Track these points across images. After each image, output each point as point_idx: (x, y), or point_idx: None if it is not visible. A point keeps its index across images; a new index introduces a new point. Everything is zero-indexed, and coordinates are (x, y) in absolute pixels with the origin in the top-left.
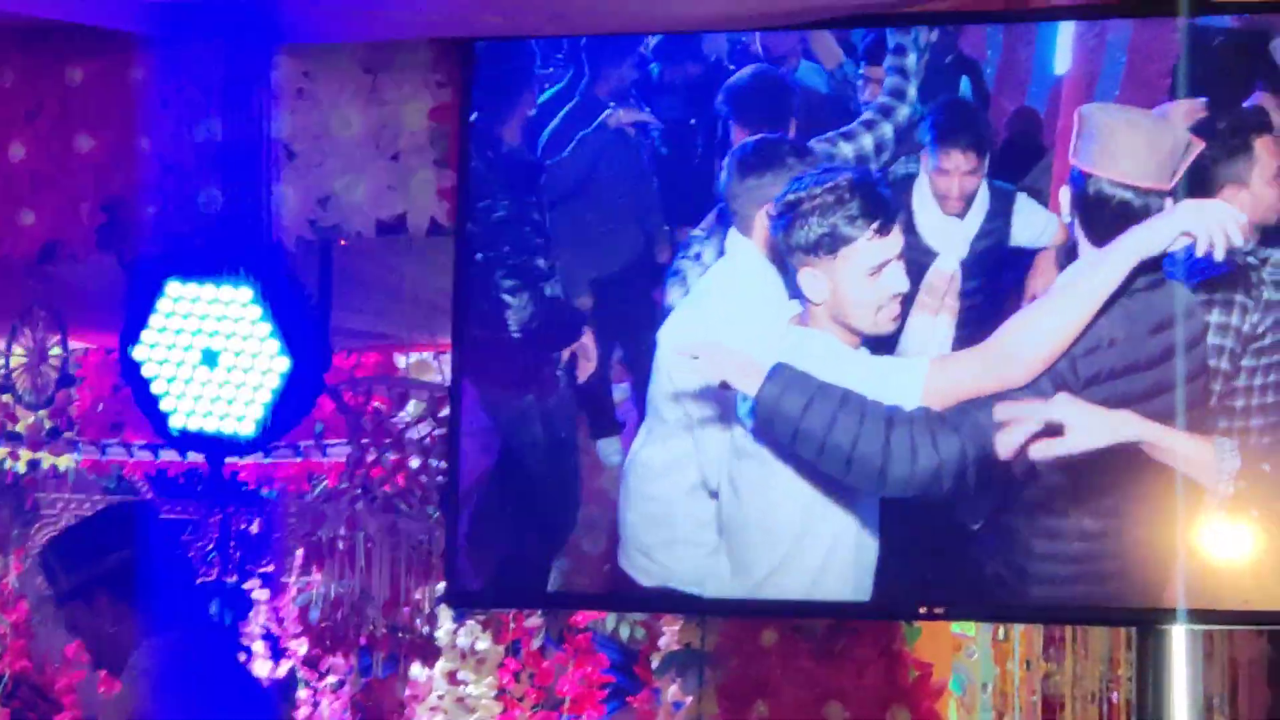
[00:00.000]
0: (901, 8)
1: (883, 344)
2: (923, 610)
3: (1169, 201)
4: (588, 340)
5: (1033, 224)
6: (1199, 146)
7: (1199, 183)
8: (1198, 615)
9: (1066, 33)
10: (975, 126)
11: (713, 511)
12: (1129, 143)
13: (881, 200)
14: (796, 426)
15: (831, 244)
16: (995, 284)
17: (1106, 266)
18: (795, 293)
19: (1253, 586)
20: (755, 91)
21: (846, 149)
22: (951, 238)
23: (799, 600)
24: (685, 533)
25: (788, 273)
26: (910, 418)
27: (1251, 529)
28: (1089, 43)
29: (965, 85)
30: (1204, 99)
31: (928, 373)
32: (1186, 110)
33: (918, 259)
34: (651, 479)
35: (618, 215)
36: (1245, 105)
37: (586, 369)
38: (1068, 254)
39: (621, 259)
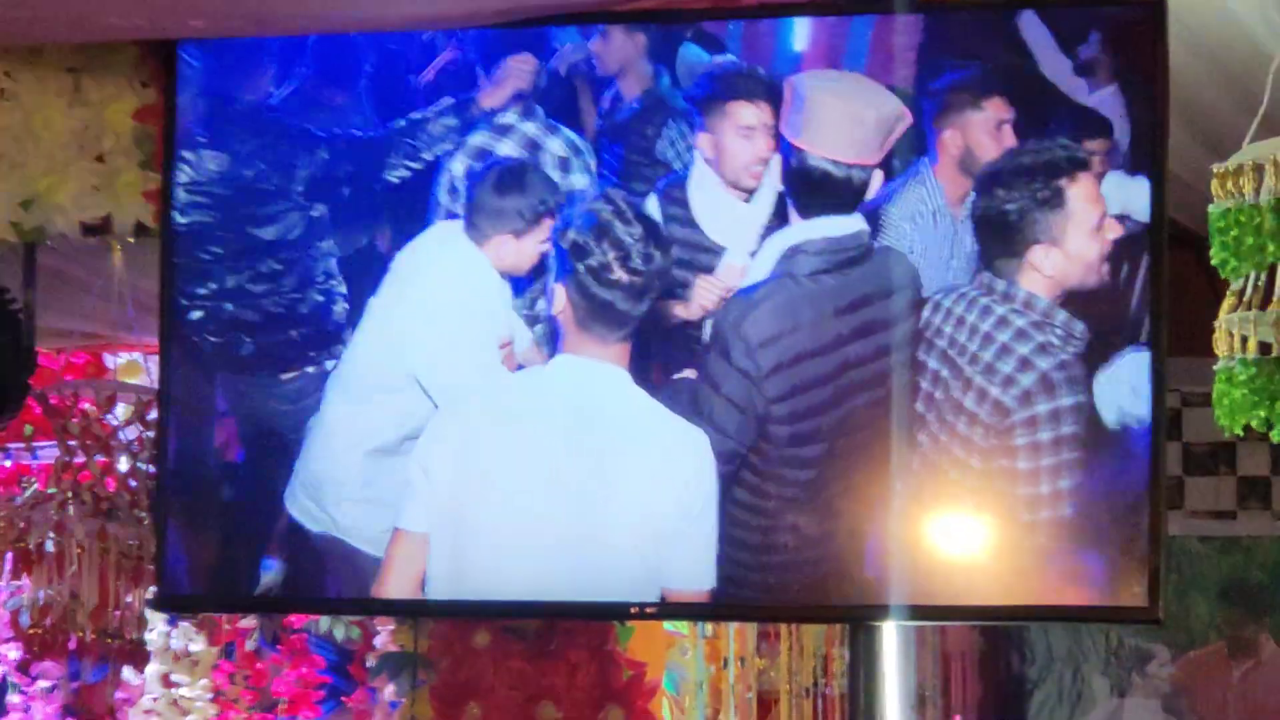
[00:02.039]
0: (613, 6)
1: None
2: (634, 610)
3: (877, 174)
4: None
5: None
6: (907, 121)
7: (1005, 242)
8: (907, 611)
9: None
10: (760, 78)
11: (383, 471)
12: (834, 115)
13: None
14: None
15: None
16: None
17: None
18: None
19: (963, 582)
20: None
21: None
22: (740, 226)
23: (509, 601)
24: (356, 491)
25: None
26: None
27: (962, 525)
28: (829, 22)
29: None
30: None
31: None
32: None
33: (701, 260)
34: (333, 436)
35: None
36: (1056, 141)
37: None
38: None
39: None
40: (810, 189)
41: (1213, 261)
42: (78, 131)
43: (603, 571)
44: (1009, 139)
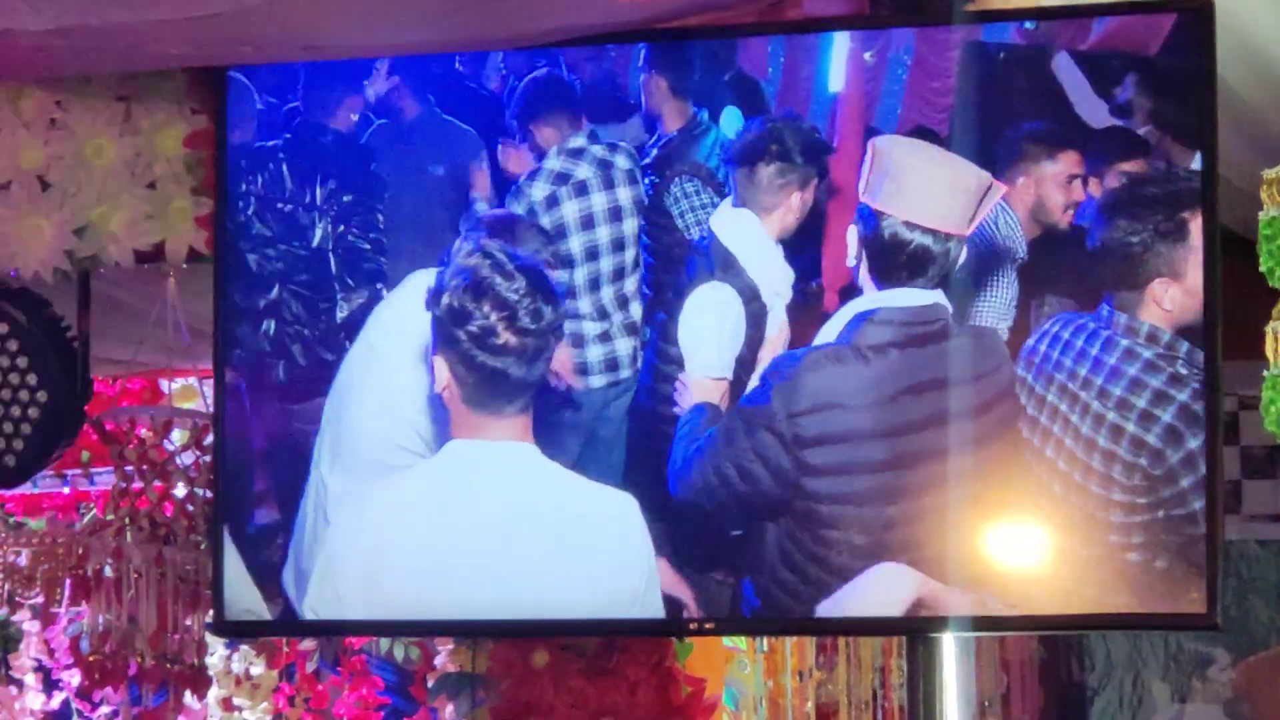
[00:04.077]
0: (655, 24)
1: None
2: (693, 626)
3: (966, 248)
4: None
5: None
6: (1000, 190)
7: (1126, 275)
8: (966, 622)
9: (840, 51)
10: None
11: None
12: (927, 182)
13: None
14: None
15: None
16: None
17: None
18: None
19: (1019, 592)
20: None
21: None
22: (779, 275)
23: (568, 619)
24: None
25: None
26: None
27: (1017, 534)
28: (868, 61)
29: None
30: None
31: None
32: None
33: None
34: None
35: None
36: (1176, 168)
37: None
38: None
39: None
40: (899, 259)
41: (1261, 268)
42: (129, 159)
43: None
44: (1078, 193)
